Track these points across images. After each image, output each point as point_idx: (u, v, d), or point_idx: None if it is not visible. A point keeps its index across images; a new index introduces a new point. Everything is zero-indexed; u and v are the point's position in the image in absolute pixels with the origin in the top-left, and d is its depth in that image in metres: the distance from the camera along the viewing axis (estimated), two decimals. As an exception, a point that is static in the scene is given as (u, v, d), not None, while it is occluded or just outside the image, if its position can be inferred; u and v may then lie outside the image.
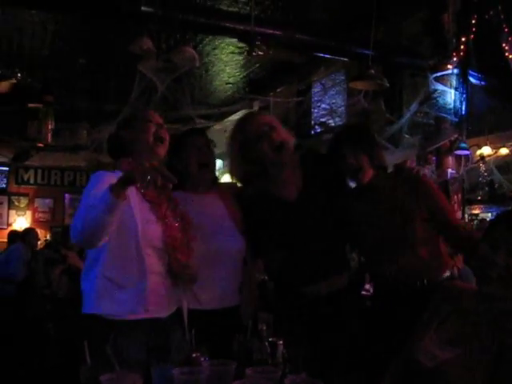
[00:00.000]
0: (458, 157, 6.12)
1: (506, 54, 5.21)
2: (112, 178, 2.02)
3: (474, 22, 5.44)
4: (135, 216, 2.10)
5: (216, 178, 2.70)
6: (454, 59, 5.72)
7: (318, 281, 2.46)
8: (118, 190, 1.88)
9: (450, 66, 5.83)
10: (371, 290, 2.94)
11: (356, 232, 2.57)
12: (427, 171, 6.37)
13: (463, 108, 5.83)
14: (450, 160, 6.09)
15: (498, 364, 1.47)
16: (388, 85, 5.73)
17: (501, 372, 1.47)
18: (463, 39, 5.59)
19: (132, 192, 2.10)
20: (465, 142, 6.05)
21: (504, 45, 5.21)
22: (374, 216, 2.50)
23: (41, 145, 7.79)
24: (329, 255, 2.49)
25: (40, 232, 11.35)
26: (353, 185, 2.62)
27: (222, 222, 2.50)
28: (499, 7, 5.23)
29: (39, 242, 10.21)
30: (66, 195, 12.22)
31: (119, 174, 2.07)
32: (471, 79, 5.87)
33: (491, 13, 5.30)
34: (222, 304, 2.44)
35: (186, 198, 2.47)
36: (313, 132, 8.90)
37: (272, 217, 2.50)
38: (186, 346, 1.86)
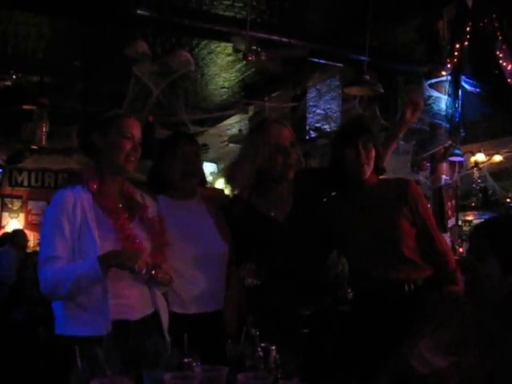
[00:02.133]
0: (452, 163, 6.13)
1: (500, 61, 5.23)
2: (71, 199, 2.11)
3: (468, 29, 5.45)
4: (93, 235, 2.10)
5: (202, 183, 2.70)
6: (449, 66, 5.73)
7: (299, 303, 2.45)
8: (108, 268, 2.00)
9: (444, 73, 5.84)
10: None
11: (344, 232, 2.57)
12: (421, 178, 6.39)
13: (457, 115, 5.84)
14: (444, 166, 6.10)
15: (494, 377, 1.46)
16: (382, 91, 5.75)
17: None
18: (457, 46, 5.60)
19: (88, 202, 2.11)
20: (459, 149, 6.06)
21: (498, 52, 5.23)
22: (364, 216, 2.52)
23: (35, 147, 7.77)
24: (311, 277, 2.48)
25: (33, 234, 11.31)
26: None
27: (205, 227, 2.51)
28: (493, 15, 5.25)
29: (32, 245, 10.17)
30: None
31: (79, 190, 2.15)
32: (466, 86, 5.89)
33: (485, 20, 5.31)
34: (206, 308, 2.44)
35: (170, 203, 2.48)
36: (308, 137, 8.91)
37: (258, 234, 2.50)
38: (164, 349, 1.86)
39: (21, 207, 12.12)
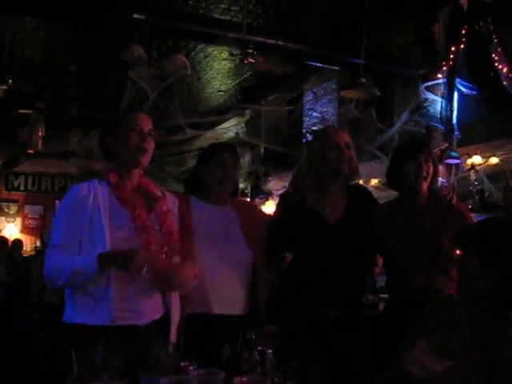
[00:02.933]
0: (449, 166, 6.14)
1: (496, 64, 5.25)
2: (85, 189, 2.16)
3: (464, 32, 5.47)
4: (103, 225, 2.13)
5: (235, 192, 2.86)
6: (444, 68, 5.75)
7: (334, 304, 2.53)
8: (105, 267, 2.04)
9: (440, 76, 5.86)
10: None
11: (390, 241, 2.67)
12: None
13: (452, 117, 5.85)
14: (441, 169, 6.10)
15: (491, 378, 1.46)
16: (379, 93, 5.76)
17: None
18: (453, 49, 5.62)
19: (103, 193, 2.16)
20: (455, 151, 6.07)
21: (494, 55, 5.25)
22: (412, 229, 2.63)
23: (31, 151, 7.76)
24: (351, 282, 2.58)
25: (30, 239, 11.32)
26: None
27: (232, 232, 2.61)
28: (489, 18, 5.27)
29: (29, 249, 10.16)
30: (57, 202, 12.15)
31: (95, 183, 2.20)
32: (462, 88, 5.90)
33: (481, 23, 5.34)
34: (228, 311, 2.51)
35: (203, 205, 2.62)
36: (304, 140, 8.92)
37: (309, 230, 2.59)
38: (169, 355, 1.86)
39: (17, 211, 12.10)
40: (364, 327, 2.64)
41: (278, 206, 2.83)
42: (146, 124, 2.30)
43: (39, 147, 7.55)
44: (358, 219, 2.61)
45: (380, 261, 3.57)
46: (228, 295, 2.52)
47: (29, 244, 11.00)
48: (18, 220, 12.08)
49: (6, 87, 6.94)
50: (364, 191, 2.83)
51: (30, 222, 12.14)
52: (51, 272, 2.12)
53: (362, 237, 2.61)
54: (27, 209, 12.20)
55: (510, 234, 1.64)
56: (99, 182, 2.24)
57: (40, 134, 7.42)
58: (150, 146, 2.29)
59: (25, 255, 8.81)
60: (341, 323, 2.52)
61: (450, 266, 2.55)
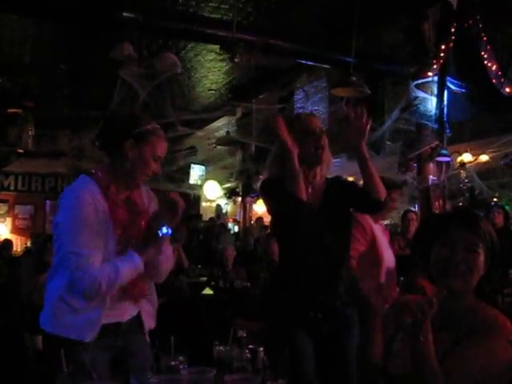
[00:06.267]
0: (439, 163, 6.17)
1: (485, 62, 5.28)
2: (90, 195, 2.08)
3: (453, 30, 5.50)
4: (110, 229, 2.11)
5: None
6: (435, 67, 5.77)
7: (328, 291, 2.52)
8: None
9: (430, 74, 5.88)
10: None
11: None
12: (408, 178, 6.42)
13: (443, 115, 5.88)
14: (431, 167, 6.13)
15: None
16: (369, 91, 5.78)
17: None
18: (443, 47, 5.64)
19: (99, 199, 2.11)
20: (445, 149, 6.10)
21: (483, 53, 5.28)
22: None
23: (21, 151, 7.72)
24: (336, 270, 2.56)
25: (20, 239, 11.24)
26: None
27: None
28: (478, 16, 5.30)
29: (19, 249, 10.09)
30: (47, 202, 12.09)
31: (93, 185, 2.12)
32: (452, 86, 5.93)
33: (470, 22, 5.36)
34: None
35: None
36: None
37: (289, 217, 2.57)
38: (149, 349, 1.83)
39: (7, 211, 12.02)
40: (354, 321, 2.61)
41: (262, 192, 2.77)
42: (164, 153, 2.24)
43: (29, 146, 7.51)
44: (336, 204, 2.57)
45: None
46: None
47: (19, 244, 10.92)
48: (9, 220, 12.00)
49: (-5, 85, 6.90)
50: (341, 180, 2.76)
51: (21, 222, 12.06)
52: (103, 282, 2.00)
53: (342, 222, 2.60)
54: (17, 209, 12.13)
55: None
56: (91, 182, 2.14)
57: (30, 133, 7.38)
58: (159, 170, 2.24)
59: (15, 255, 8.74)
60: (331, 316, 2.51)
61: None
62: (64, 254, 2.05)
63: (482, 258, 1.57)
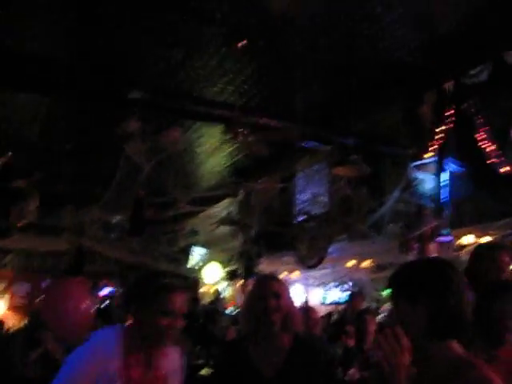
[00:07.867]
0: (441, 244, 6.15)
1: (480, 143, 5.39)
2: (101, 352, 2.07)
3: (451, 112, 5.65)
4: None
5: None
6: (434, 147, 5.88)
7: None
8: None
9: (429, 155, 5.99)
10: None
11: None
12: (410, 258, 6.36)
13: (441, 195, 5.93)
14: (432, 247, 6.11)
15: None
16: (369, 170, 5.86)
17: None
18: (440, 129, 5.77)
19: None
20: (447, 229, 6.10)
21: (479, 134, 5.39)
22: None
23: (22, 224, 7.73)
24: None
25: (17, 317, 10.99)
26: None
27: None
28: (472, 100, 5.45)
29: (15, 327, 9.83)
30: (45, 281, 11.92)
31: (113, 339, 2.12)
32: (451, 166, 6.01)
33: (466, 105, 5.52)
34: None
35: None
36: (296, 220, 8.95)
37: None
38: None
39: (5, 289, 11.85)
40: None
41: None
42: (181, 306, 2.19)
43: (31, 221, 7.53)
44: (297, 373, 2.44)
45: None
46: None
47: (16, 323, 10.68)
48: (6, 297, 11.82)
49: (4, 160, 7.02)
50: (311, 342, 2.62)
51: (18, 300, 11.87)
52: None
53: None
54: (16, 287, 11.98)
55: (419, 270, 1.69)
56: (112, 335, 2.16)
57: (33, 207, 7.41)
58: (180, 324, 2.19)
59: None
60: None
61: None
62: None
63: None
